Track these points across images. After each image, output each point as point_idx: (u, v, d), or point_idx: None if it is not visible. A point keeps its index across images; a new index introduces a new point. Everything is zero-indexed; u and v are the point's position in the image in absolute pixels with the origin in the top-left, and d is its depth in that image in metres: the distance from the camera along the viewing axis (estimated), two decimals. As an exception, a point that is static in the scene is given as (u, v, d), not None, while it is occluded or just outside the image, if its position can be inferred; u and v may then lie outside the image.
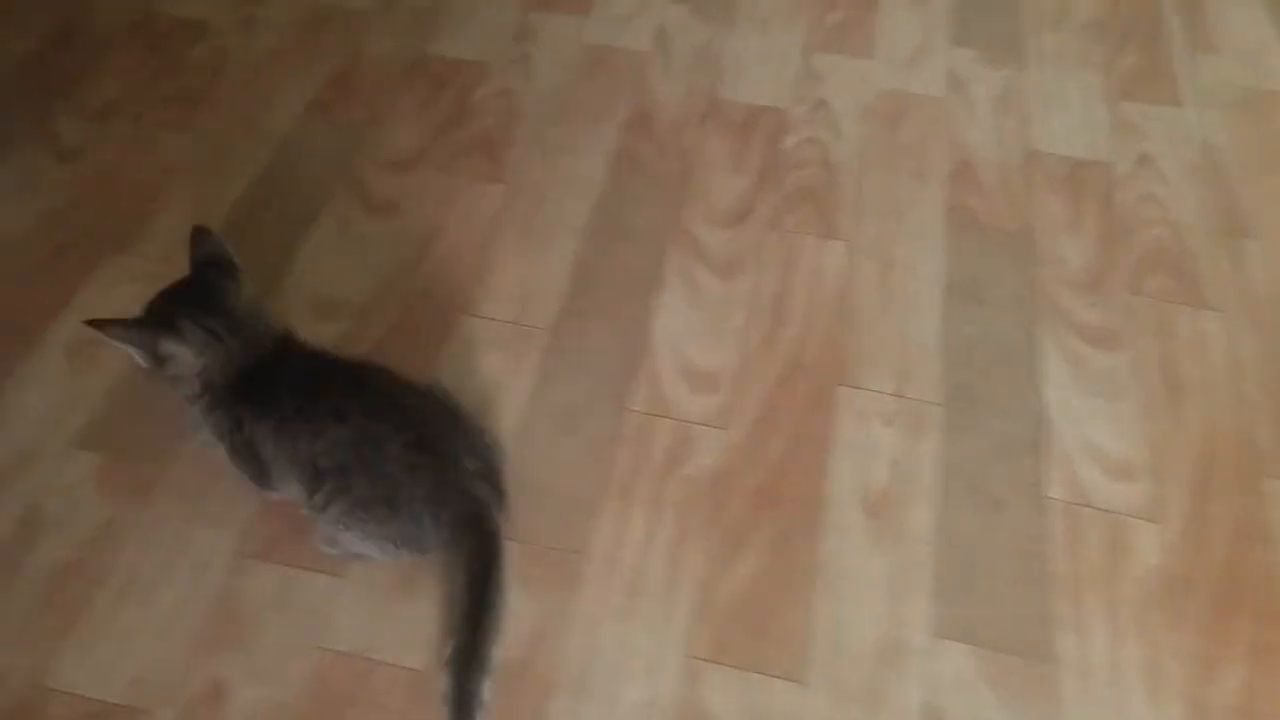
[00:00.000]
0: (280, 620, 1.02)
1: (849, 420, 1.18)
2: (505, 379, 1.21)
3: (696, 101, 1.55)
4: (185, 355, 0.97)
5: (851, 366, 1.23)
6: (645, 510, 1.10)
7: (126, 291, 1.26)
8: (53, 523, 1.09)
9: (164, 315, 0.97)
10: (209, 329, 0.97)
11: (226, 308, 0.99)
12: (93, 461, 1.13)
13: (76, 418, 1.17)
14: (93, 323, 0.94)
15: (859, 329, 1.26)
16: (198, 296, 0.99)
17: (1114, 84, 1.61)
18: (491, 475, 1.01)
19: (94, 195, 1.39)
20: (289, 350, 1.02)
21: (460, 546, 0.98)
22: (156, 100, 1.52)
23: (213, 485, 1.10)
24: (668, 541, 1.08)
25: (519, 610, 1.02)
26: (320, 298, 1.27)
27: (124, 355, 1.01)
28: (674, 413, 1.18)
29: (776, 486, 1.12)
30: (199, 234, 1.03)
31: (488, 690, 0.92)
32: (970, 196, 1.42)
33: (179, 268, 1.22)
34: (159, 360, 0.97)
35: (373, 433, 0.95)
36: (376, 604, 1.03)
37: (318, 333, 1.20)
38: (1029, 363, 1.24)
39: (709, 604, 1.04)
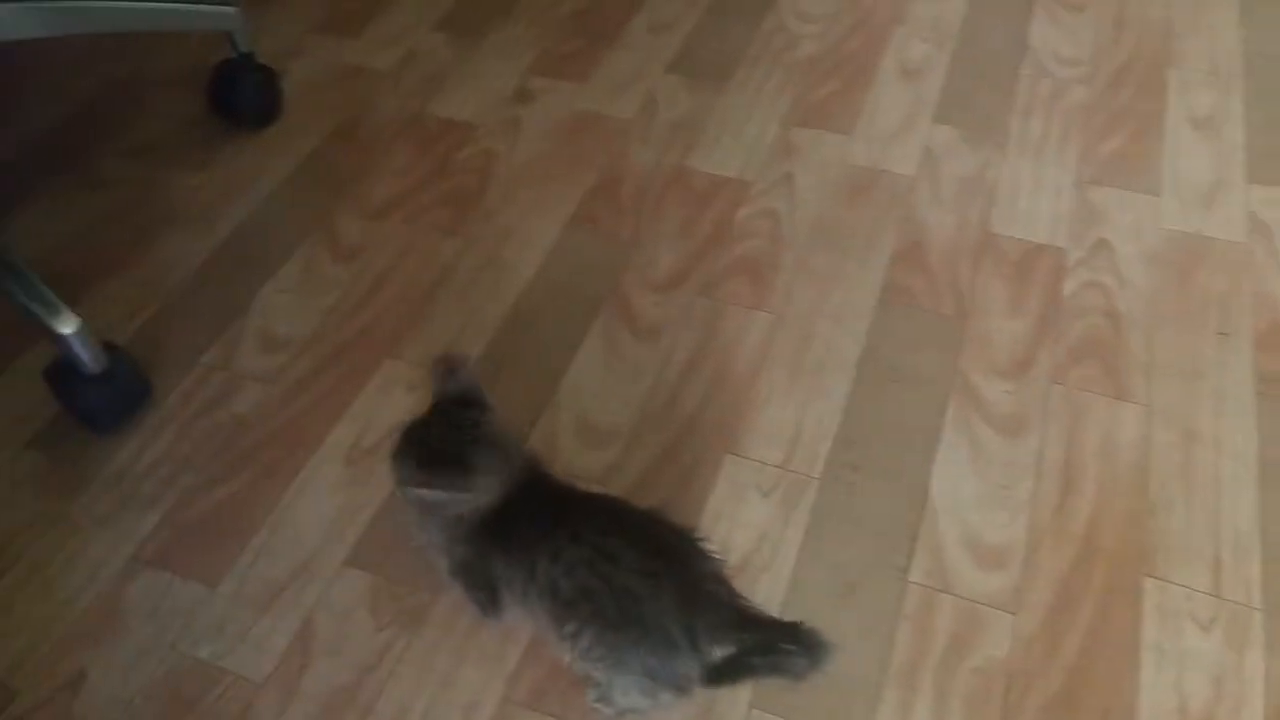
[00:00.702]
0: (549, 778, 0.98)
1: (1157, 619, 1.07)
2: (773, 531, 1.15)
3: (968, 234, 1.47)
4: (476, 494, 0.94)
5: (1156, 554, 1.12)
6: (930, 703, 1.02)
7: (402, 402, 1.26)
8: (326, 643, 1.08)
9: (455, 455, 0.94)
10: (489, 467, 0.95)
11: (494, 443, 0.96)
12: (365, 582, 1.12)
13: (351, 533, 1.16)
14: (413, 482, 0.93)
15: (1162, 510, 1.16)
16: (465, 429, 0.96)
17: None
18: (726, 580, 0.94)
19: (370, 297, 1.40)
20: (534, 478, 0.99)
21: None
22: (429, 202, 1.53)
23: (481, 621, 1.07)
24: (955, 744, 1.00)
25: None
26: (587, 424, 1.25)
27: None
28: (958, 589, 1.10)
29: (1078, 693, 1.02)
30: (444, 366, 1.01)
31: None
32: (1284, 362, 1.30)
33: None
34: (465, 495, 0.94)
35: (607, 549, 0.91)
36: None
37: (586, 463, 1.17)
38: (1355, 564, 1.11)
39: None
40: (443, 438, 0.96)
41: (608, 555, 0.91)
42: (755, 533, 1.15)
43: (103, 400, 1.25)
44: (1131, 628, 1.07)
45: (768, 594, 1.10)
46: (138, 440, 1.26)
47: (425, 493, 0.94)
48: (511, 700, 1.04)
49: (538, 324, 1.37)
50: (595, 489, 1.01)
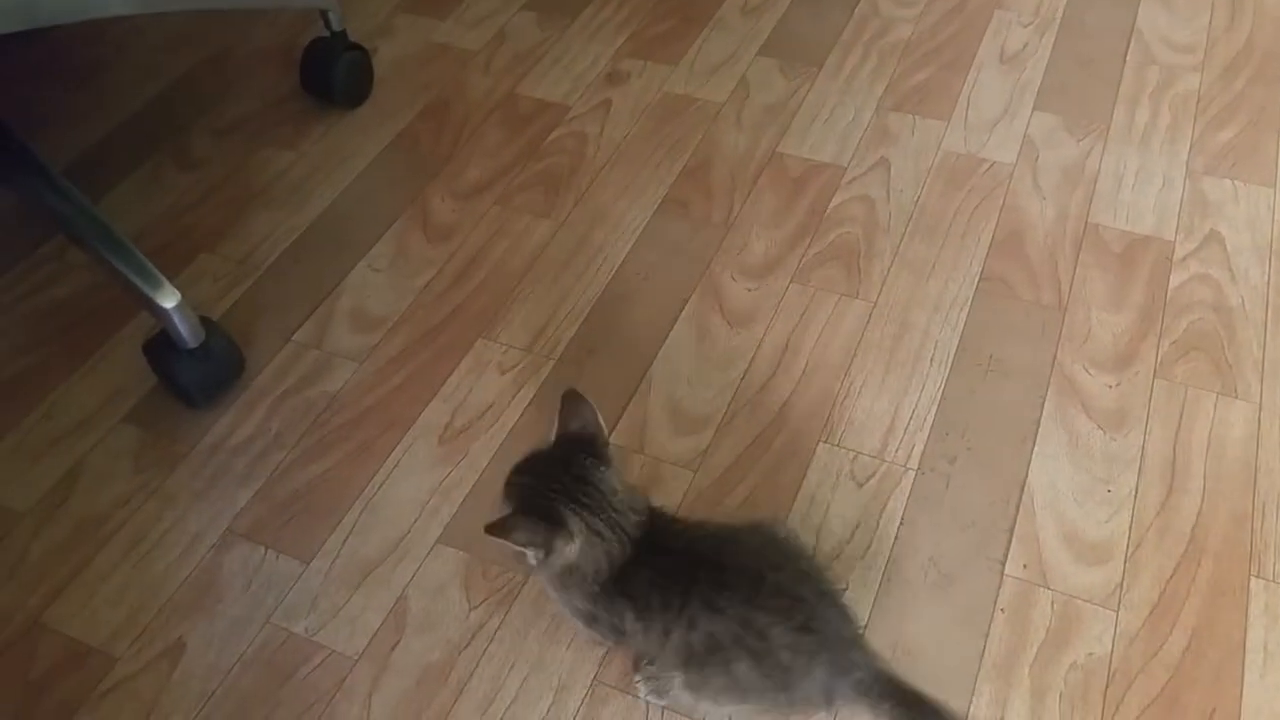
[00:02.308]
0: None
1: (1264, 620, 1.09)
2: (868, 521, 1.17)
3: (1070, 224, 1.48)
4: (570, 553, 0.93)
5: (1265, 554, 1.13)
6: (1027, 698, 1.05)
7: (495, 383, 1.31)
8: (419, 621, 1.12)
9: (550, 509, 0.91)
10: (593, 527, 0.93)
11: (605, 501, 0.94)
12: (458, 560, 1.17)
13: (444, 512, 1.21)
14: (491, 529, 0.90)
15: (1274, 511, 1.16)
16: (574, 484, 0.93)
17: None
18: (865, 644, 0.97)
19: (462, 277, 1.45)
20: (654, 530, 0.97)
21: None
22: (520, 184, 1.57)
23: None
24: (1053, 738, 1.02)
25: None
26: (678, 409, 1.28)
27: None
28: (1056, 584, 1.11)
29: (1181, 694, 1.04)
30: (572, 401, 0.96)
31: None
32: (1402, 363, 1.29)
33: (541, 360, 1.32)
34: (548, 555, 0.92)
35: (755, 623, 0.91)
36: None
37: (676, 448, 1.20)
38: None
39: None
40: (548, 487, 0.92)
41: (756, 629, 0.90)
42: (849, 522, 1.18)
43: (199, 375, 1.31)
44: (1237, 628, 1.08)
45: (862, 584, 1.12)
46: (231, 416, 1.31)
47: (505, 545, 0.91)
48: (602, 682, 1.07)
49: (629, 308, 1.40)
50: (716, 527, 1.01)
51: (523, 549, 0.91)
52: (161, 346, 1.30)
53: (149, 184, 1.60)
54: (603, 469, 0.94)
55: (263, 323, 1.41)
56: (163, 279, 1.25)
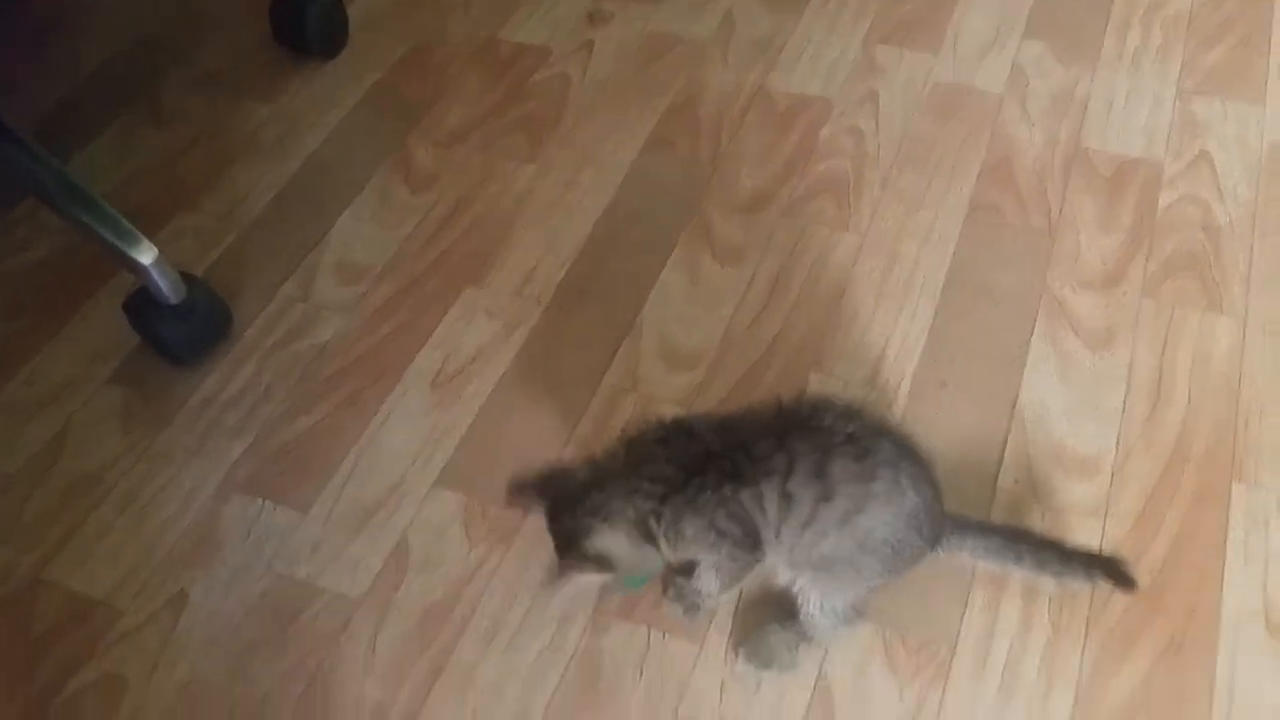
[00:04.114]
0: (641, 687, 1.11)
1: (1244, 522, 1.17)
2: (861, 447, 1.25)
3: (1059, 150, 1.55)
4: (616, 538, 0.98)
5: (1246, 460, 1.22)
6: (1019, 603, 1.13)
7: (485, 328, 1.38)
8: (420, 561, 1.20)
9: (571, 530, 0.99)
10: (608, 505, 0.98)
11: (598, 483, 1.00)
12: (456, 501, 1.24)
13: (439, 456, 1.28)
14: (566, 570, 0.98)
15: (1256, 419, 1.25)
16: (574, 489, 1.00)
17: None
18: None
19: (446, 225, 1.51)
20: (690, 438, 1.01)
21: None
22: (503, 128, 1.64)
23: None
24: (1042, 641, 1.11)
25: (885, 701, 1.08)
26: (670, 348, 1.36)
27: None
28: (1047, 499, 1.20)
29: (1164, 593, 1.12)
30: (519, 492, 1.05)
31: None
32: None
33: (531, 304, 1.40)
34: (607, 563, 0.98)
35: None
36: (741, 683, 1.10)
37: (670, 385, 1.28)
38: None
39: (1088, 717, 1.06)
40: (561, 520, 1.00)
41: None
42: (842, 450, 1.25)
43: (183, 331, 1.35)
44: (1219, 531, 1.17)
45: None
46: (220, 372, 1.38)
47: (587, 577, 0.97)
48: (604, 611, 1.15)
49: (618, 249, 1.47)
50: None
51: (604, 565, 0.97)
52: (142, 304, 1.34)
53: (123, 141, 1.65)
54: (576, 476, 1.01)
55: (248, 278, 1.47)
56: (139, 234, 1.28)
